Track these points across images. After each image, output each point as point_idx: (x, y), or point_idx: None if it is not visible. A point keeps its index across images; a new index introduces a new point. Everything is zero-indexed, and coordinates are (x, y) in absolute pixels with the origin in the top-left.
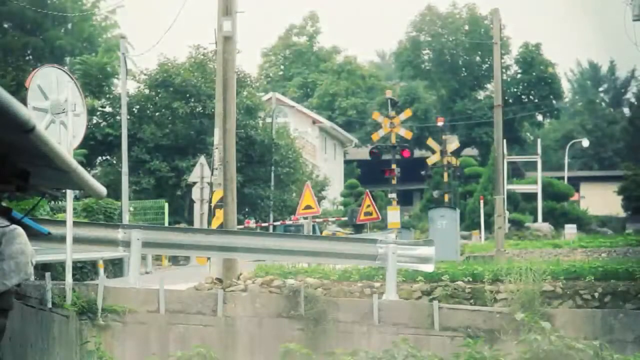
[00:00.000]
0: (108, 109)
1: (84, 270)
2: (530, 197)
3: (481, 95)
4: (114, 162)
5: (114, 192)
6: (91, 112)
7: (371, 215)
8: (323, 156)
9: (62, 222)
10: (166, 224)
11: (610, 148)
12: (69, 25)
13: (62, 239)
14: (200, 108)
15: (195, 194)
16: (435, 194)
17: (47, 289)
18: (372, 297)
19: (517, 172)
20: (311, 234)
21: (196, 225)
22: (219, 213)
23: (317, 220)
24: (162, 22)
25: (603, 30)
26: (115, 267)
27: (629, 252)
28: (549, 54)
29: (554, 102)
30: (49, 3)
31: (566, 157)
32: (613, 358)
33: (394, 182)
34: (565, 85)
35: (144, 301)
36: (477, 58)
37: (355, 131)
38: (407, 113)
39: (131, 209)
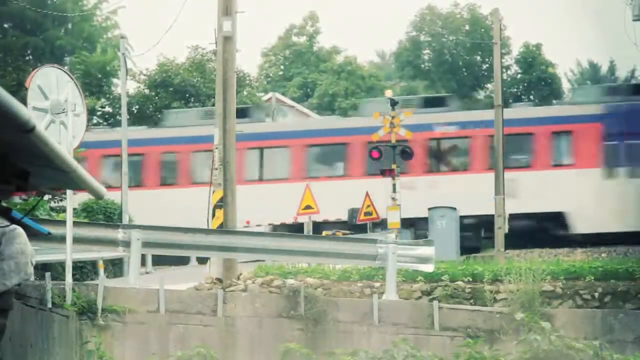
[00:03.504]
0: (108, 109)
1: (84, 270)
2: None
3: (481, 95)
4: None
5: None
6: (91, 112)
7: (371, 215)
8: None
9: (62, 222)
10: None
11: None
12: (69, 25)
13: (62, 239)
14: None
15: None
16: None
17: (47, 289)
18: (372, 297)
19: None
20: (311, 233)
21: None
22: (219, 213)
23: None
24: (162, 22)
25: (603, 30)
26: (115, 267)
27: (629, 252)
28: (549, 54)
29: (554, 102)
30: (49, 3)
31: None
32: (613, 358)
33: (394, 182)
34: (566, 85)
35: (144, 301)
36: (478, 58)
37: None
38: (407, 113)
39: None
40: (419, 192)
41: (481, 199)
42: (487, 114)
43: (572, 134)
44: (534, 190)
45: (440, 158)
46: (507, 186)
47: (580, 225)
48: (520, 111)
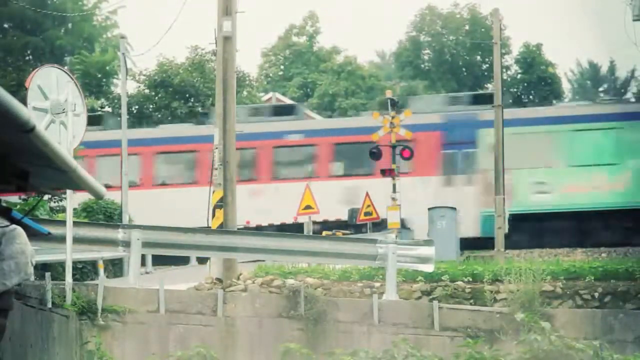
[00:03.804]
0: (108, 109)
1: (84, 270)
2: None
3: None
4: None
5: None
6: (91, 112)
7: (371, 215)
8: None
9: (62, 222)
10: None
11: None
12: (69, 25)
13: (62, 239)
14: (199, 108)
15: None
16: None
17: (47, 289)
18: (372, 297)
19: None
20: (311, 234)
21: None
22: (219, 213)
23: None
24: (162, 22)
25: (603, 30)
26: (115, 267)
27: (629, 252)
28: (549, 54)
29: (554, 102)
30: (49, 3)
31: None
32: (613, 358)
33: (394, 182)
34: (566, 85)
35: (144, 301)
36: (478, 58)
37: None
38: (407, 113)
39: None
40: (265, 199)
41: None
42: (332, 123)
43: (413, 143)
44: (376, 198)
45: (288, 165)
46: (351, 194)
47: (418, 231)
48: (363, 120)
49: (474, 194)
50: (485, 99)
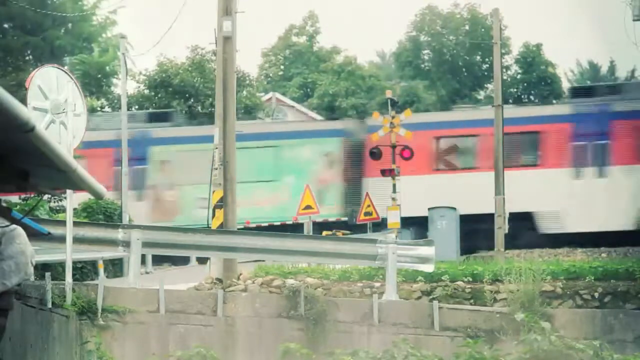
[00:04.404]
0: (108, 109)
1: (84, 270)
2: None
3: (481, 95)
4: None
5: None
6: (91, 112)
7: (371, 216)
8: None
9: (62, 222)
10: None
11: None
12: (69, 25)
13: (62, 239)
14: (199, 108)
15: None
16: None
17: (47, 289)
18: (372, 297)
19: None
20: (311, 233)
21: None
22: (219, 213)
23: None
24: (162, 22)
25: (603, 30)
26: (115, 267)
27: (629, 252)
28: (549, 54)
29: (554, 102)
30: (49, 3)
31: None
32: (613, 358)
33: (394, 182)
34: (566, 86)
35: (144, 301)
36: (478, 58)
37: None
38: (407, 113)
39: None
40: None
41: None
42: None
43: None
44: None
45: None
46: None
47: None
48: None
49: (146, 210)
50: (163, 117)
